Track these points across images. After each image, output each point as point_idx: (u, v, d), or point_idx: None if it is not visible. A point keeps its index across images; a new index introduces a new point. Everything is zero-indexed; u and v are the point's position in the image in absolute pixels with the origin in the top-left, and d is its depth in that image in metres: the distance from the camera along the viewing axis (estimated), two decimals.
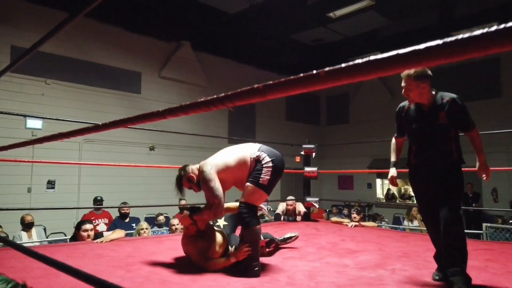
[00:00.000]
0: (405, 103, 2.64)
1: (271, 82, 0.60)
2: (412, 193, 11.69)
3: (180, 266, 2.76)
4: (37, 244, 4.73)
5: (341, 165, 11.96)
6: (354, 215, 5.02)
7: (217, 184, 2.58)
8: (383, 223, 7.37)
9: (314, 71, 0.56)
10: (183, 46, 9.46)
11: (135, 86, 8.76)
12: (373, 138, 11.18)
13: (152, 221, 7.65)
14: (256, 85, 0.62)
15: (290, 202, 5.31)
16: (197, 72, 9.81)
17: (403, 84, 2.42)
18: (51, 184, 7.24)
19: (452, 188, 2.38)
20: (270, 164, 2.62)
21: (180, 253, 3.20)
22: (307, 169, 5.15)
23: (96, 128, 1.08)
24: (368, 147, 11.71)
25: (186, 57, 9.57)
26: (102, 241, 3.52)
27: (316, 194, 6.07)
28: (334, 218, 5.42)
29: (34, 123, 7.01)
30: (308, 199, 5.10)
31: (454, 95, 2.42)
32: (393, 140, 2.87)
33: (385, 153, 11.75)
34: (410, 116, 2.58)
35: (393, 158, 2.78)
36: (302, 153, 5.15)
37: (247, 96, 0.64)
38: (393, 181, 2.74)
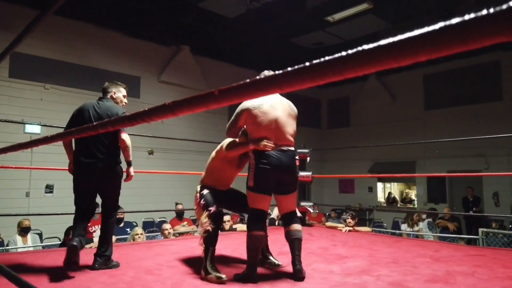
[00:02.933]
0: None
1: (179, 99, 0.62)
2: (413, 197, 11.61)
3: (165, 272, 2.76)
4: (31, 249, 4.76)
5: (342, 168, 11.90)
6: (349, 219, 4.99)
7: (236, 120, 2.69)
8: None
9: (208, 91, 0.57)
10: (182, 50, 9.51)
11: (134, 90, 8.80)
12: (374, 141, 11.16)
13: (150, 225, 7.67)
14: (166, 102, 0.64)
15: None
16: (196, 76, 9.85)
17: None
18: (49, 188, 7.29)
19: None
20: (253, 167, 2.60)
21: (168, 259, 3.20)
22: (301, 173, 5.13)
23: (81, 131, 1.08)
24: (369, 150, 11.66)
25: (185, 61, 9.61)
26: (91, 247, 3.55)
27: (317, 198, 6.05)
28: (328, 223, 5.38)
29: (32, 128, 7.06)
30: (302, 203, 5.08)
31: None
32: None
33: (387, 157, 11.61)
34: None
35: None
36: (297, 157, 5.12)
37: (158, 112, 0.65)
38: None
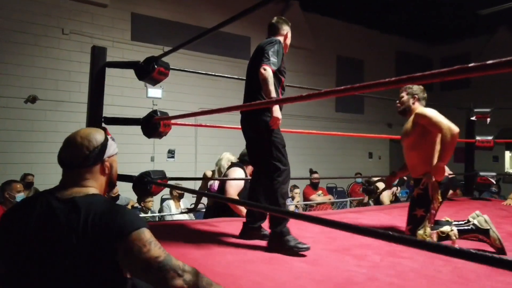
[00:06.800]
0: None
1: None
2: None
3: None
4: (186, 216, 4.59)
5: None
6: None
7: None
8: None
9: None
10: (292, 7, 8.79)
11: (245, 51, 8.33)
12: (501, 105, 9.64)
13: None
14: None
15: None
16: (305, 35, 9.11)
17: None
18: (171, 153, 7.24)
19: None
20: None
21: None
22: (479, 138, 4.28)
23: None
24: (494, 115, 10.15)
25: (294, 18, 8.83)
26: None
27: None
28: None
29: (154, 93, 6.97)
30: (481, 173, 4.27)
31: None
32: None
33: None
34: None
35: None
36: (473, 118, 4.28)
37: None
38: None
